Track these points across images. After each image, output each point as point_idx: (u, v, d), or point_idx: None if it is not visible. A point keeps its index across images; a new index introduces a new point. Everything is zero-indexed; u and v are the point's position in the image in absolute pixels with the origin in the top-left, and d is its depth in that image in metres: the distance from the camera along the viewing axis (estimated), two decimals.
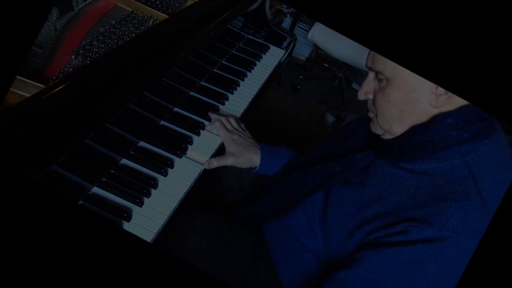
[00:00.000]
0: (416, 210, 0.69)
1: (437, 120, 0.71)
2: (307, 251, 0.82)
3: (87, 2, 1.02)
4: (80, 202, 0.77)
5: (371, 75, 0.76)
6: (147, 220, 0.78)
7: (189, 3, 1.15)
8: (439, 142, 0.71)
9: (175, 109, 1.02)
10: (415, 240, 0.67)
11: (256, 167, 0.99)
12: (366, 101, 0.80)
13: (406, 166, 0.74)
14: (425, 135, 0.72)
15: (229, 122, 1.01)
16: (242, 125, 1.04)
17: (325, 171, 0.85)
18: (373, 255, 0.70)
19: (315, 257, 0.81)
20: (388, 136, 0.78)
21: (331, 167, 0.84)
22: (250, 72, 1.23)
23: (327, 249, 0.79)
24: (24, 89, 0.75)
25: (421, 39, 0.55)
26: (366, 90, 0.77)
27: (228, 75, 1.18)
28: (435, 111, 0.71)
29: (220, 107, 1.08)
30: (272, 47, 1.37)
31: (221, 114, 1.04)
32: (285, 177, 0.92)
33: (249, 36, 1.37)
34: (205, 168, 0.92)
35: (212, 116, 1.02)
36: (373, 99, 0.77)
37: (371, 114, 0.79)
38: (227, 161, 0.96)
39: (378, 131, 0.79)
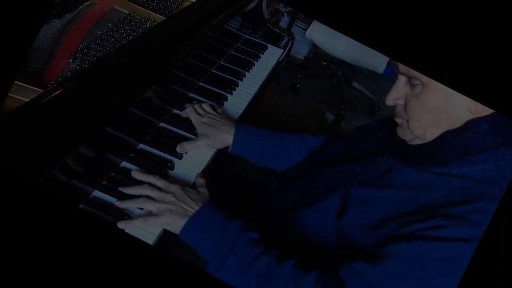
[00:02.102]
0: (450, 208, 0.68)
1: (471, 125, 0.70)
2: (315, 249, 0.81)
3: (83, 5, 1.01)
4: (81, 206, 0.77)
5: (402, 79, 0.73)
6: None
7: (185, 4, 1.15)
8: (472, 147, 0.70)
9: (175, 111, 1.02)
10: (453, 237, 0.66)
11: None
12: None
13: (436, 170, 0.73)
14: (458, 141, 0.71)
15: (201, 107, 1.01)
16: (219, 110, 1.04)
17: (342, 173, 0.84)
18: (403, 248, 0.68)
19: (322, 254, 0.80)
20: (417, 142, 0.76)
21: (349, 168, 0.83)
22: (249, 72, 1.23)
23: (340, 244, 0.77)
24: (22, 93, 0.75)
25: (423, 39, 0.55)
26: (395, 96, 0.74)
27: (226, 76, 1.18)
28: (470, 116, 0.70)
29: (220, 107, 1.08)
30: (270, 47, 1.37)
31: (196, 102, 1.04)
32: (299, 178, 0.91)
33: (247, 36, 1.37)
34: (205, 170, 0.91)
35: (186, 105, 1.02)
36: (405, 105, 0.74)
37: (400, 120, 0.77)
38: (199, 143, 0.94)
39: (407, 137, 0.77)
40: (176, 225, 0.76)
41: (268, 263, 0.73)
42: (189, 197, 0.79)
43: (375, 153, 0.82)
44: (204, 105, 1.02)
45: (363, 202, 0.77)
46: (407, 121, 0.75)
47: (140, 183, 0.81)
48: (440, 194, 0.70)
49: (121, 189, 0.80)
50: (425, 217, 0.69)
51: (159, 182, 0.80)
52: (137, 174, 0.82)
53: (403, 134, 0.77)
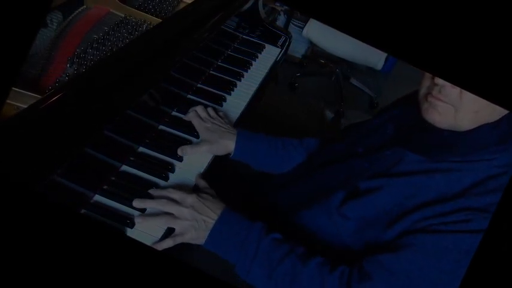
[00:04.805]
0: (474, 199, 0.68)
1: (506, 118, 0.71)
2: (326, 247, 0.80)
3: (79, 10, 1.01)
4: (83, 211, 0.76)
5: None
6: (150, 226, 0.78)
7: (181, 6, 1.15)
8: (502, 138, 0.71)
9: (173, 113, 1.02)
10: (478, 229, 0.66)
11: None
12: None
13: (455, 159, 0.72)
14: (495, 133, 0.71)
15: (204, 111, 1.00)
16: (221, 113, 1.03)
17: (350, 169, 0.83)
18: (429, 240, 0.68)
19: (334, 252, 0.80)
20: (448, 128, 0.74)
21: (357, 164, 0.83)
22: (247, 72, 1.23)
23: (354, 239, 0.77)
24: (20, 100, 0.75)
25: (422, 35, 0.55)
26: None
27: (225, 76, 1.18)
28: (507, 111, 0.70)
29: (219, 108, 1.08)
30: (268, 46, 1.37)
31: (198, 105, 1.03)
32: (300, 180, 0.91)
33: (244, 36, 1.36)
34: (205, 170, 0.91)
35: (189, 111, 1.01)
36: (462, 93, 0.70)
37: (445, 106, 0.72)
38: (201, 148, 0.94)
39: (444, 125, 0.74)
40: (201, 238, 0.78)
41: (292, 264, 0.75)
42: (207, 206, 0.79)
43: (382, 147, 0.82)
44: (208, 110, 1.01)
45: (376, 195, 0.76)
46: (457, 109, 0.72)
47: (145, 188, 0.81)
48: (464, 184, 0.70)
49: (138, 202, 0.79)
50: (450, 211, 0.68)
51: (176, 195, 0.80)
52: (155, 192, 0.82)
53: (441, 121, 0.74)
